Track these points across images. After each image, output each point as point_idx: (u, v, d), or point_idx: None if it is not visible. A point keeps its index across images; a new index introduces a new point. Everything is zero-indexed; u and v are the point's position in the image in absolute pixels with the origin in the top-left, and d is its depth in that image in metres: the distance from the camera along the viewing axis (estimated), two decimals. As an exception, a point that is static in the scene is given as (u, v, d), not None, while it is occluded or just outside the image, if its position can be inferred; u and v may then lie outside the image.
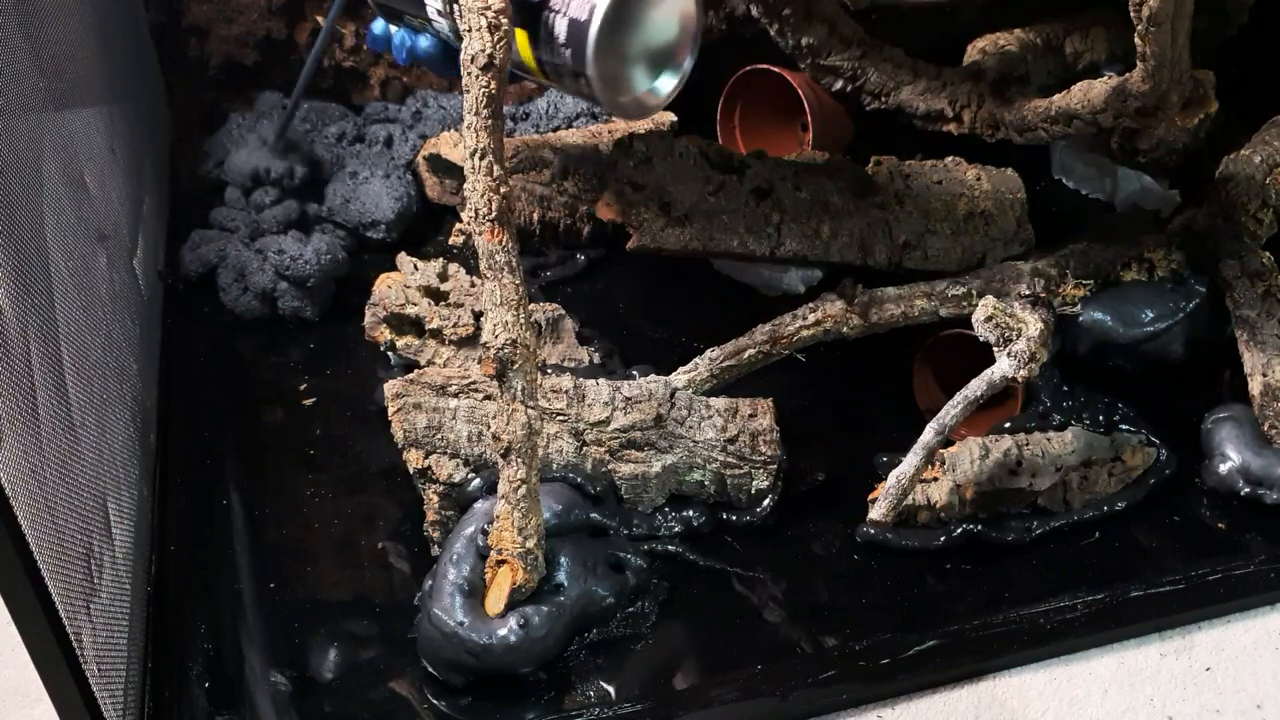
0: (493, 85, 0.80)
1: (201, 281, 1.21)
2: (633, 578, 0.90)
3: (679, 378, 0.99)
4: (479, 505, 0.90)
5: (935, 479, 0.96)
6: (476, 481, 0.93)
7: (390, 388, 0.94)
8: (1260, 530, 0.97)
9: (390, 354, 1.09)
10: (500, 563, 0.85)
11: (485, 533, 0.86)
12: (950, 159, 1.11)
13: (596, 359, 1.05)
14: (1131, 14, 0.86)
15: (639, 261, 1.19)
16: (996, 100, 1.08)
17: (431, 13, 0.84)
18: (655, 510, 0.96)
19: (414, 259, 1.11)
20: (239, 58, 1.40)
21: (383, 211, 1.26)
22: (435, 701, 0.85)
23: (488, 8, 0.79)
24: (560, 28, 0.79)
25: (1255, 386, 1.01)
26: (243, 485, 1.02)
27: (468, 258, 1.17)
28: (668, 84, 0.85)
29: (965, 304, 0.98)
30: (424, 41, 0.87)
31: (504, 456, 0.83)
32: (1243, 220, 1.05)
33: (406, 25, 0.89)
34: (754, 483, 0.96)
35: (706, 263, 1.22)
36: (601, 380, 0.96)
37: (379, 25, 0.91)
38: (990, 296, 0.96)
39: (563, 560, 0.87)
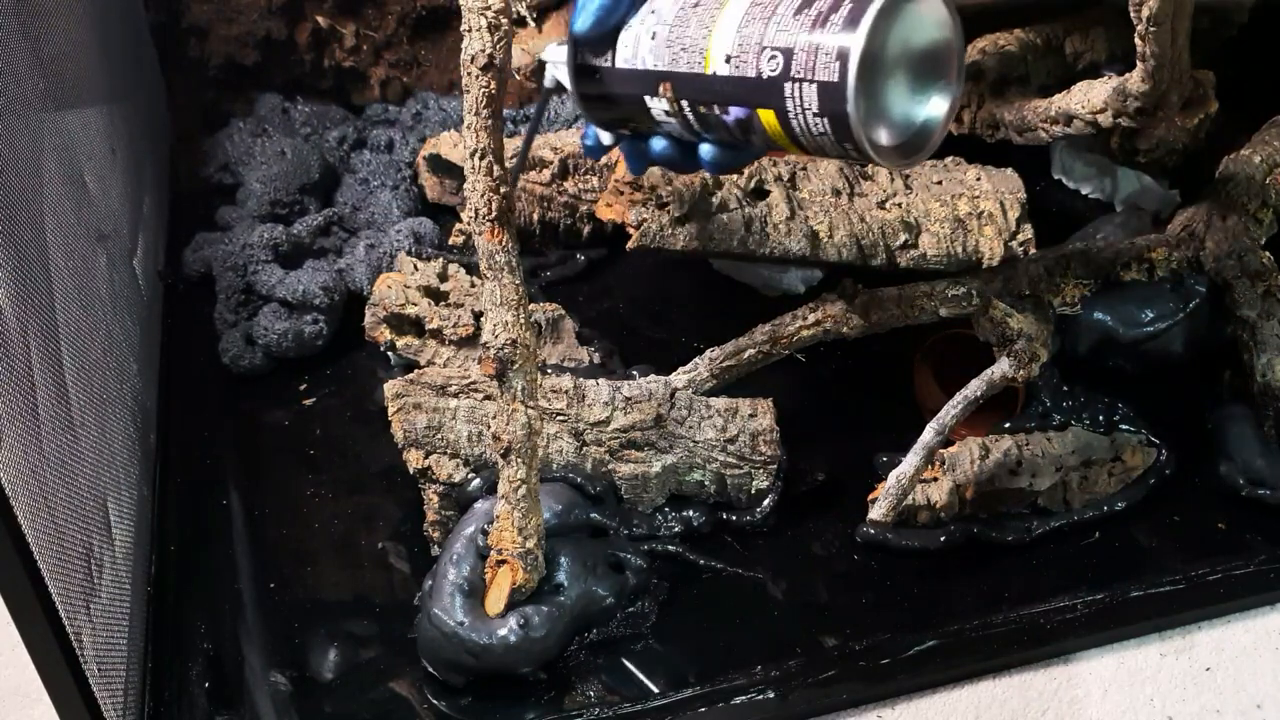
0: (493, 85, 0.79)
1: (202, 282, 1.21)
2: (633, 578, 0.90)
3: (679, 378, 0.99)
4: (479, 505, 0.90)
5: (935, 479, 0.96)
6: (476, 481, 0.93)
7: (390, 388, 0.94)
8: (1260, 530, 0.97)
9: (390, 354, 1.09)
10: (500, 563, 0.85)
11: (485, 533, 0.86)
12: (950, 159, 1.11)
13: (596, 359, 1.05)
14: (1131, 14, 0.86)
15: (639, 261, 1.20)
16: (996, 100, 1.08)
17: (658, 115, 0.76)
18: (655, 510, 0.96)
19: (414, 259, 1.11)
20: (239, 58, 1.40)
21: (392, 222, 1.25)
22: (435, 701, 0.85)
23: (488, 8, 0.79)
24: (810, 97, 0.68)
25: (1255, 386, 1.01)
26: (243, 485, 1.02)
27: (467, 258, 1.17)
28: (940, 108, 0.71)
29: (965, 304, 0.97)
30: (657, 144, 0.82)
31: (504, 456, 0.83)
32: (1243, 220, 1.05)
33: (632, 133, 0.84)
34: (754, 483, 0.96)
35: (706, 263, 1.22)
36: (601, 380, 0.96)
37: (593, 135, 0.84)
38: (991, 297, 0.96)
39: (563, 560, 0.87)
